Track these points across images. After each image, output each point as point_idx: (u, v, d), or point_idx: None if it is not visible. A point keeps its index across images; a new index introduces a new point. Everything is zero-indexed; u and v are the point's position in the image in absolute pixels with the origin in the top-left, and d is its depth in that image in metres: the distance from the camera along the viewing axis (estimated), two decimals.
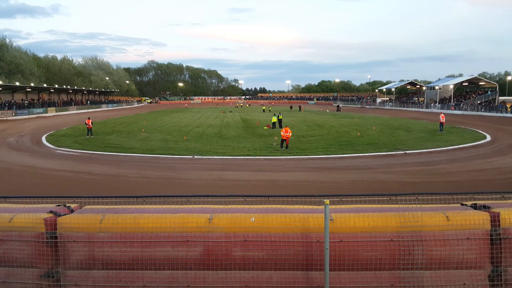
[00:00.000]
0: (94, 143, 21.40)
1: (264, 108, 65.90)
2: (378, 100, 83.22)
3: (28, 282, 3.99)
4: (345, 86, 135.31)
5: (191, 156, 16.81)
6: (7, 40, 76.98)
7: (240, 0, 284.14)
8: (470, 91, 66.07)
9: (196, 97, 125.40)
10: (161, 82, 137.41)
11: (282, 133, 18.88)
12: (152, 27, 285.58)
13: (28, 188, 11.13)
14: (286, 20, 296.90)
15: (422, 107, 64.03)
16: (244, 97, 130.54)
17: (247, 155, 16.97)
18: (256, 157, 16.67)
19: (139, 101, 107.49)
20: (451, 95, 62.14)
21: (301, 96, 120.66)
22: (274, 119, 31.47)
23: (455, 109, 54.37)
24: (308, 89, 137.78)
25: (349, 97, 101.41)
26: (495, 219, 3.82)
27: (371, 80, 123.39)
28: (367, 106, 79.38)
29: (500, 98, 56.99)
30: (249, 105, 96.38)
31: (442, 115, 27.38)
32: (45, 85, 69.71)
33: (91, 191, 10.63)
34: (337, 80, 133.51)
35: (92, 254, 3.97)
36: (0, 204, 4.74)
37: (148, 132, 27.84)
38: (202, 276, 3.94)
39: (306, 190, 10.85)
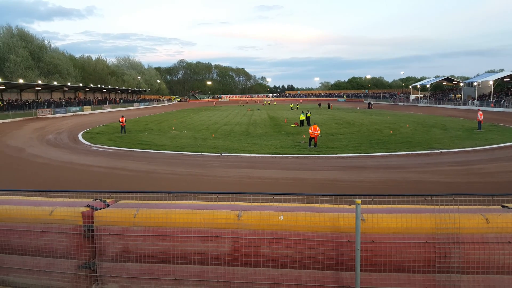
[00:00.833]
0: (127, 140, 22.20)
1: (292, 105, 65.56)
2: (412, 97, 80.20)
3: (67, 272, 4.20)
4: (377, 83, 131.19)
5: (219, 154, 17.02)
6: (46, 41, 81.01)
7: None
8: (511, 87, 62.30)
9: (224, 95, 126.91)
10: (190, 80, 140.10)
11: (310, 131, 18.68)
12: (182, 27, 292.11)
13: (66, 183, 11.72)
14: (315, 16, 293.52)
15: (459, 104, 61.01)
16: (271, 94, 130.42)
17: (275, 153, 16.94)
18: (283, 155, 16.61)
19: (169, 100, 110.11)
20: (490, 92, 58.81)
21: (330, 93, 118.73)
22: (302, 116, 31.16)
23: (495, 106, 51.42)
24: (338, 86, 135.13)
25: (381, 94, 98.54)
26: None
27: (404, 76, 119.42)
28: (400, 103, 76.72)
29: None
30: (275, 103, 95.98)
31: (480, 112, 25.99)
32: (81, 84, 73.01)
33: (125, 187, 11.05)
34: (368, 77, 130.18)
35: (127, 247, 4.12)
36: (41, 197, 5.02)
37: (178, 130, 28.51)
38: (231, 272, 3.99)
39: (335, 189, 10.67)
